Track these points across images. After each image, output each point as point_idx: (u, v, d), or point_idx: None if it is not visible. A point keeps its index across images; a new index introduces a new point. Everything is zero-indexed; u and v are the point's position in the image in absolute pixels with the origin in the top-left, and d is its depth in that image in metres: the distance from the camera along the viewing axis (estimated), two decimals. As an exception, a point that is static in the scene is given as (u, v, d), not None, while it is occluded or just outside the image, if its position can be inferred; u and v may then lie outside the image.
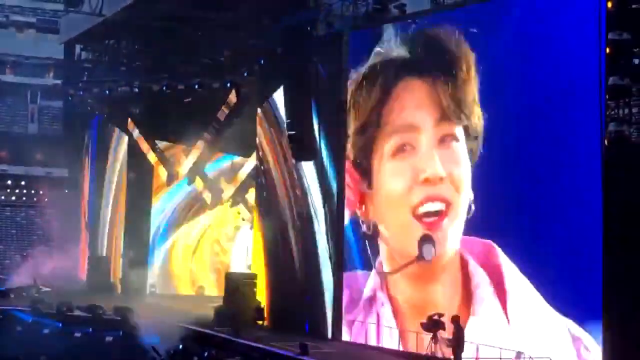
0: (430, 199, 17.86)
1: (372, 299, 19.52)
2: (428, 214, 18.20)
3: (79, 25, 34.49)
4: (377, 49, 19.95)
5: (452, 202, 17.88)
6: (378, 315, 19.26)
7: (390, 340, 19.55)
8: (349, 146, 20.45)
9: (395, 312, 19.18)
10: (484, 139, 18.08)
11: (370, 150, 19.67)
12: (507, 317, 17.25)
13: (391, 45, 19.90)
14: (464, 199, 17.78)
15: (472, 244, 17.90)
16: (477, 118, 18.19)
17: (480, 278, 17.48)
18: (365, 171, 19.59)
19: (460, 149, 18.06)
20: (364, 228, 19.72)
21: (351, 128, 20.76)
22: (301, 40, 25.30)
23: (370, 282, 19.95)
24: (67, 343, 25.47)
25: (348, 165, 20.86)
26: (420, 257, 18.35)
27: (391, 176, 18.89)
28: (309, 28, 25.14)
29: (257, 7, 26.75)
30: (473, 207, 17.72)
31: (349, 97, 20.79)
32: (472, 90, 18.40)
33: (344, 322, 22.72)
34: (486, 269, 17.48)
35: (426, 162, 18.25)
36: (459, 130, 18.28)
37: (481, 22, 19.35)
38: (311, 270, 24.39)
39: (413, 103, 19.04)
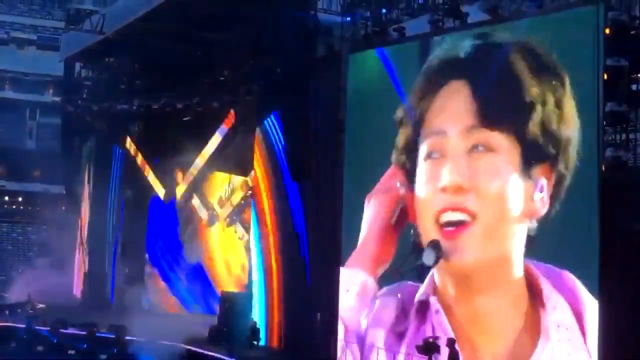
0: (452, 209, 16.80)
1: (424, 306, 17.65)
2: (449, 224, 16.99)
3: (79, 43, 34.55)
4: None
5: (478, 214, 16.58)
6: (432, 325, 17.76)
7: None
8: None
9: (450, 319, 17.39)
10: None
11: (414, 152, 18.30)
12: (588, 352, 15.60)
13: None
14: (495, 212, 16.34)
15: (543, 269, 16.33)
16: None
17: (556, 303, 15.89)
18: (409, 173, 18.30)
19: (496, 160, 16.55)
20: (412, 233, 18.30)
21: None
22: (300, 61, 25.34)
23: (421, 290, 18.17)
24: (61, 360, 25.38)
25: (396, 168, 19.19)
26: (418, 260, 17.37)
27: (421, 180, 17.64)
28: (308, 49, 25.17)
29: (256, 27, 26.80)
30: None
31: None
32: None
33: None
34: (565, 295, 15.85)
35: (449, 170, 17.07)
36: (496, 140, 16.62)
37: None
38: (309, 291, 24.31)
39: (450, 106, 17.55)
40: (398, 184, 18.04)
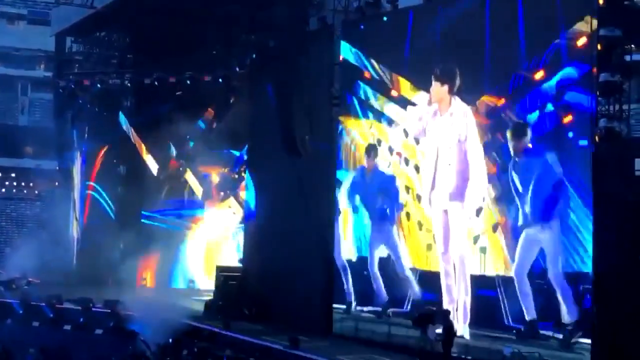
0: None
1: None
2: None
3: (70, 17, 34.33)
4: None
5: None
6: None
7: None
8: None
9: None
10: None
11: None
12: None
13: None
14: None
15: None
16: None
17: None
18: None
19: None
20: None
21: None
22: (293, 34, 25.28)
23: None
24: (57, 335, 25.41)
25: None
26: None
27: None
28: (301, 22, 25.10)
29: (249, 1, 26.68)
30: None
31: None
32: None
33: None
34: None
35: None
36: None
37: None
38: (301, 263, 24.39)
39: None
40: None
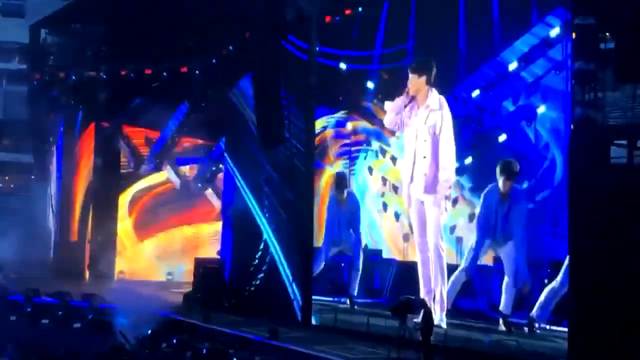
0: None
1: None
2: None
3: (45, 9, 34.11)
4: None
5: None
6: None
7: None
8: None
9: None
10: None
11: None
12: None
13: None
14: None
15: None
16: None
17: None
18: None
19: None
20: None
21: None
22: (269, 25, 25.20)
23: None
24: (35, 329, 25.27)
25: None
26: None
27: None
28: (277, 13, 25.02)
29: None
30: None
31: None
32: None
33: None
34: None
35: None
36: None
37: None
38: (277, 253, 24.41)
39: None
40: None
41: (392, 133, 21.01)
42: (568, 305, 16.70)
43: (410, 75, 20.20)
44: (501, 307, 19.33)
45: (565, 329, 17.13)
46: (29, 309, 26.56)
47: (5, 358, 21.84)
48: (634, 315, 15.70)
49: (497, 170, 19.65)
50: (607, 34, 16.87)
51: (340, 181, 24.72)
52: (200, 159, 33.75)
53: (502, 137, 21.78)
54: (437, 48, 20.36)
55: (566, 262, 17.73)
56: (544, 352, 17.30)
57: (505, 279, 19.54)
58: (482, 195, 19.90)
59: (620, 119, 17.25)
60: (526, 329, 18.93)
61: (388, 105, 20.91)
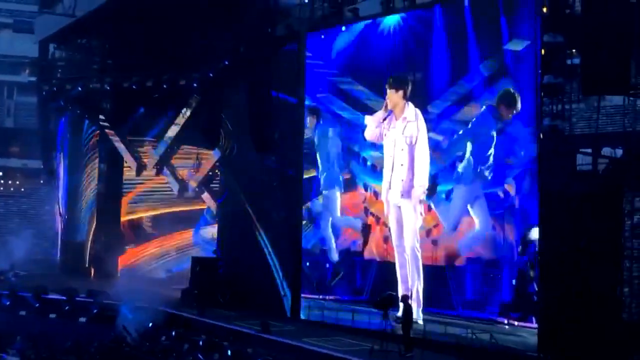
0: None
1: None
2: None
3: (53, 25, 34.06)
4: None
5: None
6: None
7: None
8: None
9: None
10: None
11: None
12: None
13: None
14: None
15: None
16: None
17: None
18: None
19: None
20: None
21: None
22: (262, 41, 25.25)
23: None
24: (43, 324, 25.21)
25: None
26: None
27: None
28: (269, 29, 25.08)
29: (222, 11, 26.62)
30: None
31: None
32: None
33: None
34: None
35: None
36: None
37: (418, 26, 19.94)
38: (272, 254, 24.43)
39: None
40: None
41: (373, 145, 21.32)
42: (537, 303, 16.79)
43: (388, 91, 20.43)
44: None
45: (533, 325, 17.25)
46: (37, 305, 26.54)
47: (14, 350, 21.82)
48: (599, 312, 15.82)
49: None
50: (574, 50, 17.04)
51: None
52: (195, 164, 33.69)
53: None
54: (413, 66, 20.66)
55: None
56: (514, 346, 17.37)
57: None
58: None
59: (585, 128, 17.39)
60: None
61: (368, 119, 21.18)
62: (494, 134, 19.26)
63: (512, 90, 18.76)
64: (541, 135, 17.02)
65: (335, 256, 23.51)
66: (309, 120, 23.84)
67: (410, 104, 20.04)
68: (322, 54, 23.17)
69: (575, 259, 16.15)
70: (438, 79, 20.07)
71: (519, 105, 18.63)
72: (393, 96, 20.16)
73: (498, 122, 19.18)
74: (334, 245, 23.48)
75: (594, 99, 17.03)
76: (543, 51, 16.91)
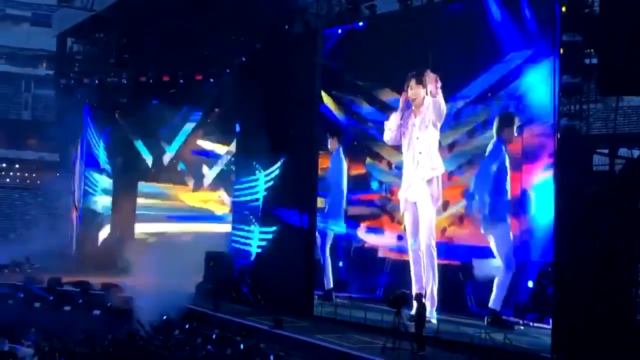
0: None
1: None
2: None
3: (71, 19, 34.19)
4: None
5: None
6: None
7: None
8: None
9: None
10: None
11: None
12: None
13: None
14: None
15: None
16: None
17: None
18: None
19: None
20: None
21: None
22: (279, 37, 25.22)
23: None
24: (57, 316, 25.32)
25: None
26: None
27: None
28: (286, 26, 25.05)
29: (239, 7, 26.61)
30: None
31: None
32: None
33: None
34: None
35: None
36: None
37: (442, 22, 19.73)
38: (285, 251, 24.43)
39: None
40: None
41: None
42: (552, 304, 16.69)
43: (409, 86, 20.29)
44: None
45: (547, 326, 17.15)
46: (51, 297, 26.65)
47: (28, 341, 21.91)
48: (613, 313, 15.74)
49: None
50: (592, 50, 16.95)
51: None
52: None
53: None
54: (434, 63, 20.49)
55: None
56: (528, 347, 17.29)
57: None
58: None
59: (602, 129, 17.32)
60: (488, 319, 18.70)
61: (387, 123, 21.07)
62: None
63: (510, 113, 18.58)
64: (558, 135, 16.93)
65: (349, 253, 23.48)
66: (330, 143, 23.78)
67: (431, 100, 19.98)
68: (339, 51, 23.08)
69: (590, 260, 16.08)
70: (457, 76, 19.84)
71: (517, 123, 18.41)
72: (414, 92, 20.20)
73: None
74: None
75: (612, 100, 16.97)
76: (562, 50, 16.81)
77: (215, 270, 26.27)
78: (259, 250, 25.78)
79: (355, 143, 22.98)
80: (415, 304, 18.27)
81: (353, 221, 22.89)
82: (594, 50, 16.73)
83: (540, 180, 17.57)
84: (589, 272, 16.01)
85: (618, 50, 15.40)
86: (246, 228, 26.59)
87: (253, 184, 26.46)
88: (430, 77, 19.94)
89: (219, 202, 33.48)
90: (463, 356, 17.20)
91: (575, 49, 16.81)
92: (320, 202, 23.68)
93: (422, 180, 20.22)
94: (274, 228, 25.22)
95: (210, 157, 33.74)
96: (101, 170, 35.24)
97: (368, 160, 22.59)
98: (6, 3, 46.71)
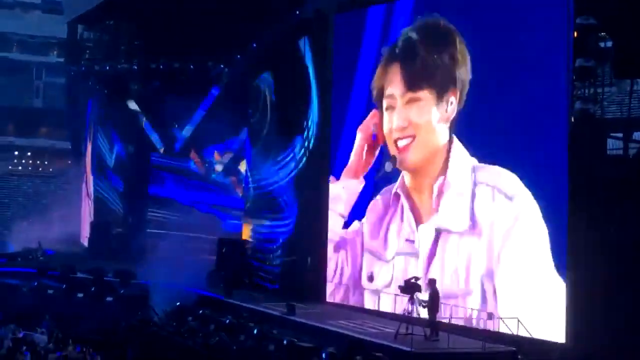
0: (400, 137, 21.31)
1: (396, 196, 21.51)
2: (401, 144, 21.31)
3: (82, 7, 34.18)
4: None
5: (416, 135, 20.92)
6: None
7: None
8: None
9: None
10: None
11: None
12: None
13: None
14: (425, 131, 20.63)
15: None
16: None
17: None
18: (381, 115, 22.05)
19: (420, 104, 20.69)
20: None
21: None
22: (289, 22, 25.14)
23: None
24: (70, 303, 25.45)
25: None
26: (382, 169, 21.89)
27: (385, 121, 21.94)
28: (297, 11, 24.96)
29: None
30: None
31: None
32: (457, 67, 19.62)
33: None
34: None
35: (396, 117, 21.44)
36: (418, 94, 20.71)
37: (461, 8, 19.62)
38: (297, 238, 24.45)
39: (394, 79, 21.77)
40: (372, 125, 22.42)
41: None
42: (567, 289, 16.63)
43: None
44: None
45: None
46: (65, 284, 26.76)
47: (42, 329, 22.05)
48: (627, 298, 15.68)
49: None
50: (605, 33, 16.80)
51: None
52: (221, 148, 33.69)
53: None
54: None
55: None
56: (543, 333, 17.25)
57: None
58: None
59: (616, 112, 17.18)
60: None
61: None
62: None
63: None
64: (572, 119, 16.81)
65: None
66: None
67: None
68: (350, 36, 22.98)
69: (605, 244, 16.01)
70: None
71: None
72: None
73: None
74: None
75: (627, 83, 16.80)
76: (575, 33, 16.67)
77: (227, 257, 26.34)
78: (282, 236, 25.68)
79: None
80: (428, 289, 18.23)
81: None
82: (608, 33, 16.58)
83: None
84: (603, 256, 15.93)
85: (633, 33, 15.26)
86: (268, 215, 26.50)
87: (270, 169, 26.41)
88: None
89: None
90: (476, 341, 17.16)
91: (589, 32, 16.66)
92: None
93: None
94: (290, 214, 25.21)
95: (222, 144, 33.72)
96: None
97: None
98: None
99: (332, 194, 23.41)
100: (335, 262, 23.08)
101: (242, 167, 30.71)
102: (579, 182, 16.55)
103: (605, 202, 16.15)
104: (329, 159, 23.54)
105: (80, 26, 37.55)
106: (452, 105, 19.73)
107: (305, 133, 24.36)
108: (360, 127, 22.50)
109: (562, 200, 16.76)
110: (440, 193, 19.91)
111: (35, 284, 26.60)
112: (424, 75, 20.56)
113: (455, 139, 19.76)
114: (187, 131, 33.59)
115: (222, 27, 30.26)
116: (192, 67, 31.37)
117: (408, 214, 20.84)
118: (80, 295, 26.06)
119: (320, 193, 23.57)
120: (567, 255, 16.59)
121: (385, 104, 21.65)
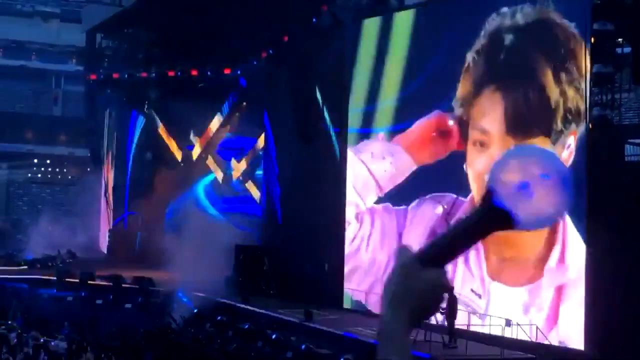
0: None
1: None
2: None
3: (100, 15, 34.42)
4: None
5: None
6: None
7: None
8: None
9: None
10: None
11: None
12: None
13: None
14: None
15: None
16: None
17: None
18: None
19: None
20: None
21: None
22: (306, 29, 25.20)
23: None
24: (89, 309, 25.55)
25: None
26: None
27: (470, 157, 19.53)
28: (314, 19, 25.02)
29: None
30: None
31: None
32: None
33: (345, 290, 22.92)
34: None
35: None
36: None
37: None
38: (315, 244, 24.40)
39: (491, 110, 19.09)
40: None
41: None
42: (585, 296, 16.55)
43: None
44: None
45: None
46: (84, 291, 26.86)
47: (62, 335, 22.15)
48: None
49: None
50: (623, 39, 16.75)
51: None
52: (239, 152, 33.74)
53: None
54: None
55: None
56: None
57: None
58: None
59: (634, 118, 17.12)
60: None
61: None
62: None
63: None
64: (590, 125, 16.76)
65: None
66: None
67: None
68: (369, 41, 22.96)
69: (623, 251, 15.91)
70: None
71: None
72: None
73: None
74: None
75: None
76: (593, 39, 16.63)
77: (244, 263, 26.36)
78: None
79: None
80: (446, 296, 18.17)
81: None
82: (626, 39, 16.53)
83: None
84: (622, 262, 15.84)
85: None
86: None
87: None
88: None
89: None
90: (494, 348, 17.10)
91: (607, 38, 16.62)
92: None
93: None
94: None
95: (239, 150, 33.81)
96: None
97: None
98: (36, 0, 47.11)
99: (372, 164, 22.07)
100: (355, 233, 22.58)
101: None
102: (597, 188, 16.47)
103: (623, 207, 16.06)
104: (345, 166, 23.53)
105: (99, 34, 37.80)
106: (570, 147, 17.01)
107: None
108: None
109: (581, 207, 16.68)
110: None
111: (55, 290, 26.73)
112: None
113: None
114: (205, 138, 33.71)
115: (239, 33, 30.42)
116: (209, 74, 31.49)
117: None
118: (99, 301, 26.16)
119: (338, 198, 23.60)
120: (585, 261, 16.51)
121: (472, 136, 19.33)
